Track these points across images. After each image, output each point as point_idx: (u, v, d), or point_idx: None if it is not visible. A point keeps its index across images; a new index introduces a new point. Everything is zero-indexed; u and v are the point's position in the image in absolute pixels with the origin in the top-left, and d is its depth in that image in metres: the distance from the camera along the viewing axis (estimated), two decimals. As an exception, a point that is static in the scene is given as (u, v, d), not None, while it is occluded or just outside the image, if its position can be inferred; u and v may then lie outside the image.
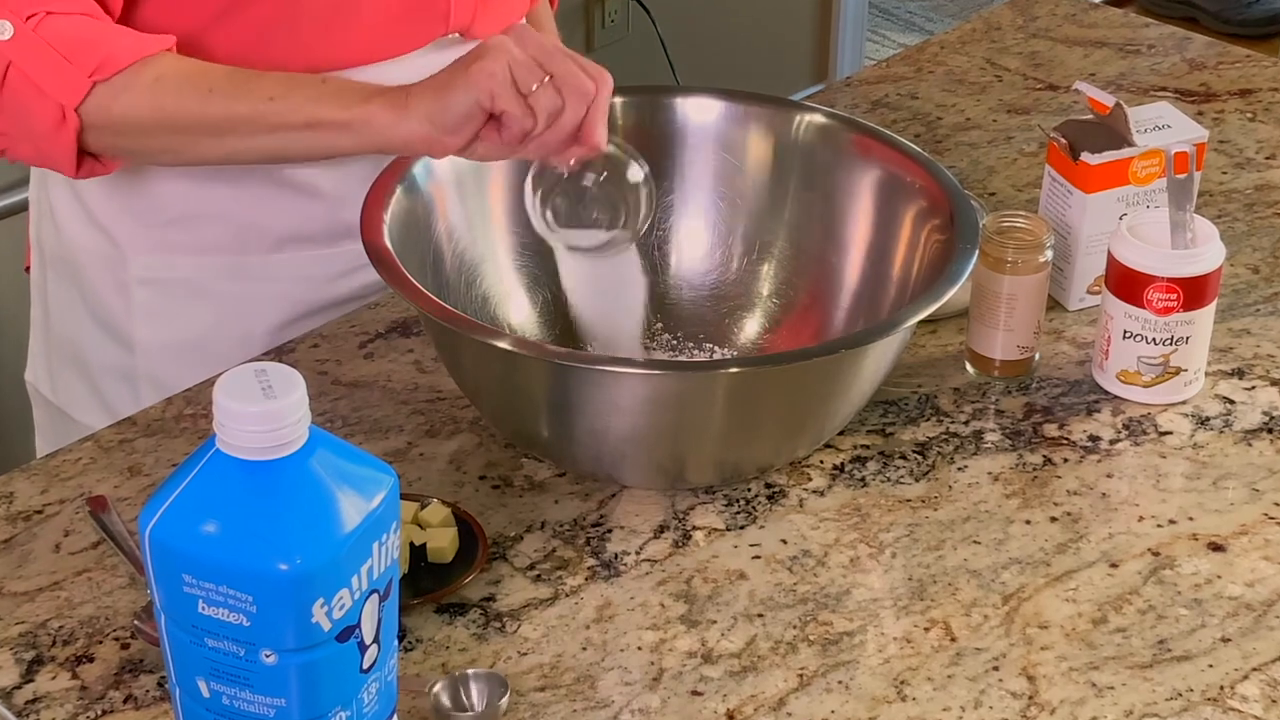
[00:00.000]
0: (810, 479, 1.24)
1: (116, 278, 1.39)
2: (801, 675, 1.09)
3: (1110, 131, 1.38)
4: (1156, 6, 3.86)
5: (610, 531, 1.20)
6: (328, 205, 1.37)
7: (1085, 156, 1.37)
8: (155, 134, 1.23)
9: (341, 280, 1.41)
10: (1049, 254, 1.31)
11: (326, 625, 0.89)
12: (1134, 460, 1.27)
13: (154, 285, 1.38)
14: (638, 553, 1.18)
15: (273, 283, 1.39)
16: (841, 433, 1.28)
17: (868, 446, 1.28)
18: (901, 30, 4.15)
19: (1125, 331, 1.29)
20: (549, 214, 1.23)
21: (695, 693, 1.07)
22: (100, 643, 1.10)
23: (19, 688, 1.07)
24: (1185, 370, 1.29)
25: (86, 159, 1.24)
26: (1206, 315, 1.29)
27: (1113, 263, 1.29)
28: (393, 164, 1.27)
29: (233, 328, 1.39)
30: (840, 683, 1.08)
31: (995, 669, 1.09)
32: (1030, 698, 1.07)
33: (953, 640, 1.11)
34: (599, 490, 1.23)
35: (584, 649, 1.10)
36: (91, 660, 1.09)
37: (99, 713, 1.05)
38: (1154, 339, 1.28)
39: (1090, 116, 1.41)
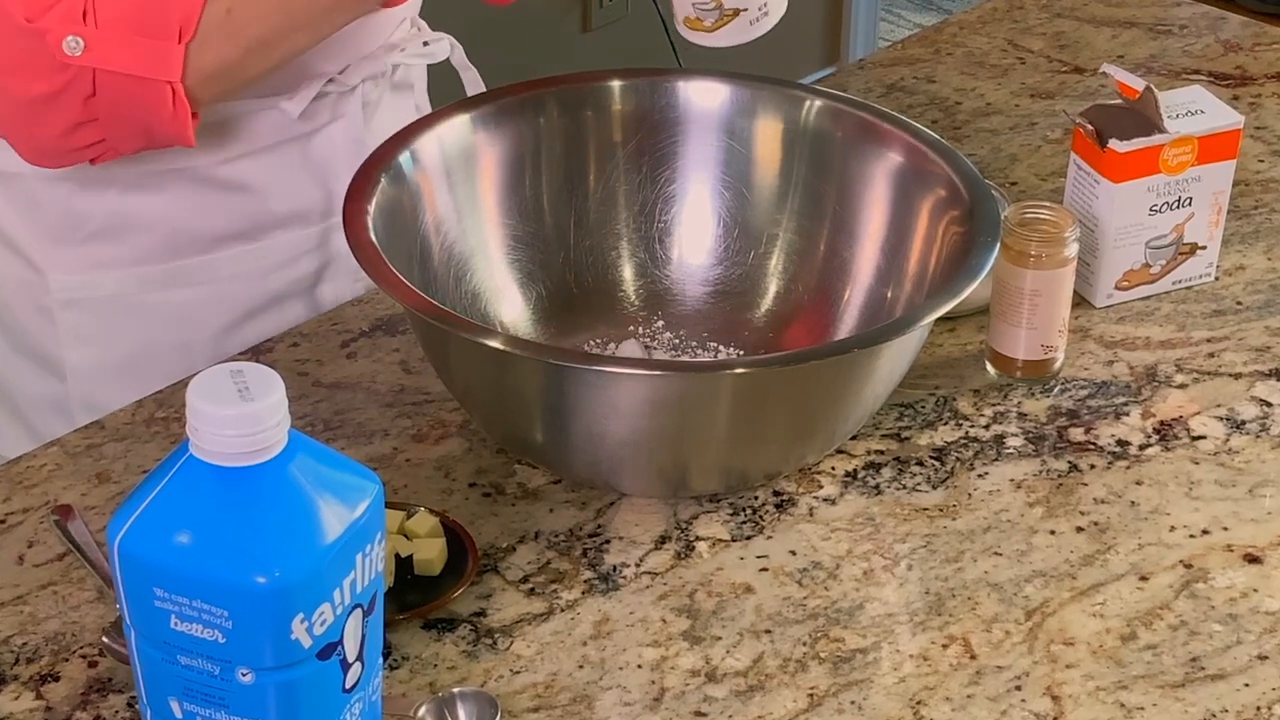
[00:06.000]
0: (821, 486, 1.25)
1: (37, 302, 1.38)
2: (812, 695, 1.09)
3: (1140, 117, 1.38)
4: (1189, -16, 3.86)
5: (608, 542, 1.20)
6: (255, 198, 1.39)
7: (1113, 144, 1.37)
8: (248, 66, 1.25)
9: (276, 274, 1.42)
10: (1074, 247, 1.31)
11: (307, 642, 0.89)
12: (1165, 466, 1.27)
13: (80, 306, 1.38)
14: (637, 565, 1.18)
15: (207, 286, 1.40)
16: (854, 437, 1.28)
17: (882, 452, 1.28)
18: (918, 10, 4.15)
19: None
20: None
21: (699, 714, 1.07)
22: (66, 660, 1.10)
23: (-20, 708, 1.07)
24: (745, 9, 1.27)
25: (193, 119, 1.26)
26: None
27: None
28: (377, 152, 1.27)
29: (170, 340, 1.40)
30: (853, 703, 1.08)
31: (1018, 688, 1.09)
32: (1055, 719, 1.07)
33: (972, 658, 1.11)
34: (596, 498, 1.23)
35: (580, 667, 1.10)
36: (57, 679, 1.09)
37: (65, 735, 1.06)
38: None
39: (1118, 101, 1.41)
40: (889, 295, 1.30)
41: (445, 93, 1.48)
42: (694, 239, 1.38)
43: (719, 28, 1.29)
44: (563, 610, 1.14)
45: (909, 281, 1.29)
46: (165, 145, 1.28)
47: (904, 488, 1.25)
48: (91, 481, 1.24)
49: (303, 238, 1.42)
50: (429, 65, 1.51)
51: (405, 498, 1.22)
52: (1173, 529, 1.22)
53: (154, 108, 1.23)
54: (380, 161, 1.26)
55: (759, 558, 1.19)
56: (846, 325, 1.32)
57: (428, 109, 1.53)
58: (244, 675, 0.89)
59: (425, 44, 1.46)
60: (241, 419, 0.87)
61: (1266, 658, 1.12)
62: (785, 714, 1.07)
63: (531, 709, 1.07)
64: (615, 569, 1.18)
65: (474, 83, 1.48)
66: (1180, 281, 1.45)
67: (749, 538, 1.20)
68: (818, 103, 1.36)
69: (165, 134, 1.26)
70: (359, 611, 0.92)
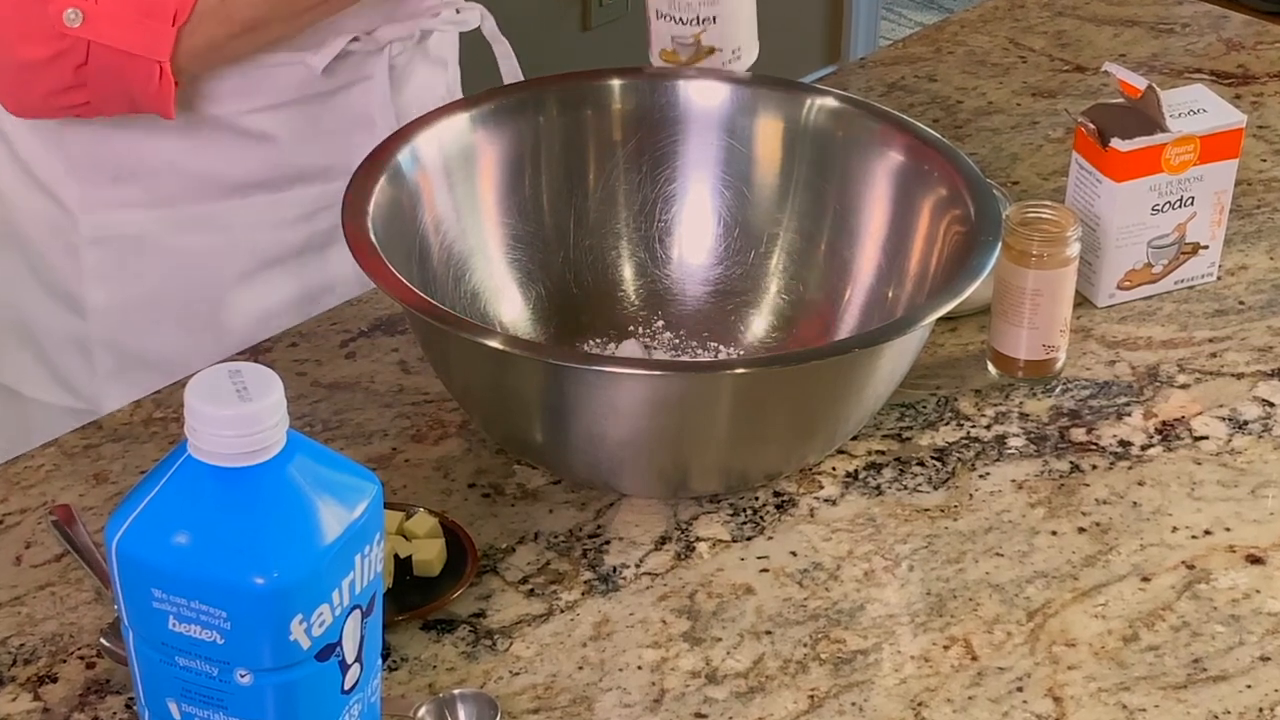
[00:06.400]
0: (822, 487, 1.25)
1: (65, 240, 1.42)
2: (812, 697, 1.09)
3: (1142, 116, 1.38)
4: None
5: (608, 543, 1.20)
6: (278, 149, 1.41)
7: (1115, 143, 1.37)
8: (235, 46, 1.33)
9: (298, 226, 1.45)
10: (1076, 247, 1.31)
11: (306, 643, 0.89)
12: (1167, 467, 1.27)
13: (105, 244, 1.42)
14: (637, 566, 1.18)
15: (227, 232, 1.43)
16: (855, 437, 1.28)
17: (883, 452, 1.28)
18: (919, 8, 4.15)
19: (657, 11, 1.37)
20: None
21: (699, 715, 1.07)
22: (64, 662, 1.10)
23: (-23, 710, 1.07)
24: (720, 50, 1.37)
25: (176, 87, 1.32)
26: None
27: None
28: (376, 151, 1.27)
29: (188, 283, 1.43)
30: (854, 704, 1.08)
31: (1019, 690, 1.09)
32: (1056, 720, 1.07)
33: (974, 659, 1.11)
34: (596, 499, 1.23)
35: (580, 668, 1.10)
36: (55, 680, 1.09)
37: (63, 736, 1.06)
38: (682, 19, 1.36)
39: (1120, 100, 1.41)
40: (890, 295, 1.30)
41: (478, 75, 1.50)
42: (694, 238, 1.38)
43: (692, 63, 1.34)
44: (562, 611, 1.14)
45: (910, 281, 1.29)
46: (147, 112, 1.33)
47: (905, 488, 1.24)
48: (89, 482, 1.24)
49: (323, 193, 1.44)
50: (461, 38, 1.52)
51: (404, 498, 1.22)
52: (1175, 530, 1.22)
53: (141, 82, 1.29)
54: (379, 160, 1.26)
55: (759, 558, 1.19)
56: (847, 325, 1.32)
57: (458, 89, 1.55)
58: (242, 676, 0.89)
59: (457, 11, 1.47)
60: (240, 419, 0.87)
61: (1269, 659, 1.12)
62: (786, 715, 1.07)
63: (531, 710, 1.07)
64: (615, 570, 1.18)
65: (506, 55, 1.50)
66: (1182, 281, 1.45)
67: (749, 538, 1.20)
68: (819, 102, 1.36)
69: (148, 105, 1.31)
70: (358, 612, 0.92)
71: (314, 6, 1.31)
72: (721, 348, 1.36)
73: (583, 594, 1.16)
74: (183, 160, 1.39)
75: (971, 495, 1.24)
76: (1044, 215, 1.32)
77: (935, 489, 1.24)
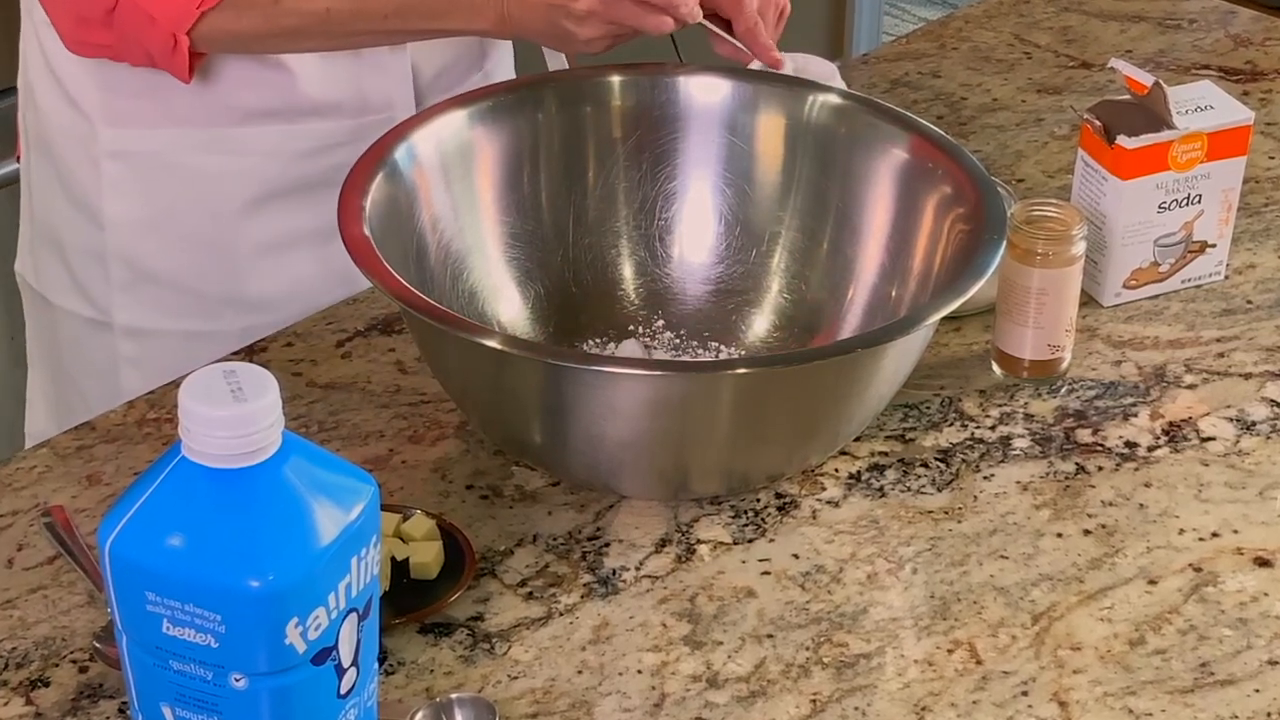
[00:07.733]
0: (824, 488, 1.25)
1: (88, 152, 1.47)
2: (815, 701, 1.09)
3: (1148, 113, 1.38)
4: (1198, -22, 3.86)
5: (608, 545, 1.20)
6: (292, 80, 1.44)
7: (1121, 140, 1.37)
8: (267, 44, 1.40)
9: (310, 159, 1.47)
10: (1082, 245, 1.31)
11: (301, 647, 0.89)
12: (1174, 468, 1.27)
13: (123, 159, 1.46)
14: (637, 568, 1.18)
15: (240, 157, 1.46)
16: (858, 438, 1.28)
17: (886, 453, 1.28)
18: (923, 4, 4.15)
19: None
20: None
21: (700, 720, 1.08)
22: (56, 665, 1.10)
23: (-31, 714, 1.07)
24: None
25: (197, 58, 1.39)
26: None
27: None
28: (372, 148, 1.27)
29: (201, 204, 1.47)
30: (857, 709, 1.08)
31: (1024, 694, 1.09)
32: (1062, 725, 1.07)
33: (978, 663, 1.11)
34: (596, 501, 1.23)
35: (579, 672, 1.10)
36: (47, 684, 1.09)
37: (55, 741, 1.06)
38: None
39: (1127, 97, 1.41)
40: (893, 294, 1.30)
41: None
42: (695, 237, 1.38)
43: None
44: (561, 614, 1.14)
45: (914, 280, 1.29)
46: (165, 69, 1.38)
47: (908, 490, 1.24)
48: (82, 484, 1.24)
49: (337, 129, 1.46)
50: None
51: (401, 500, 1.22)
52: (1182, 532, 1.21)
53: (157, 45, 1.36)
54: (376, 157, 1.26)
55: (761, 561, 1.19)
56: (850, 324, 1.32)
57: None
58: (237, 681, 0.89)
59: None
60: (235, 420, 0.87)
61: (1277, 663, 1.12)
62: (788, 720, 1.08)
63: (529, 715, 1.07)
64: (615, 572, 1.18)
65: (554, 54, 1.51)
66: (1189, 280, 1.45)
67: (751, 540, 1.20)
68: (821, 99, 1.36)
69: (164, 67, 1.38)
70: (354, 616, 0.92)
71: (363, 38, 1.38)
72: (722, 347, 1.36)
73: (582, 597, 1.16)
74: (197, 82, 1.42)
75: (976, 497, 1.24)
76: (1049, 213, 1.32)
77: (939, 490, 1.24)
